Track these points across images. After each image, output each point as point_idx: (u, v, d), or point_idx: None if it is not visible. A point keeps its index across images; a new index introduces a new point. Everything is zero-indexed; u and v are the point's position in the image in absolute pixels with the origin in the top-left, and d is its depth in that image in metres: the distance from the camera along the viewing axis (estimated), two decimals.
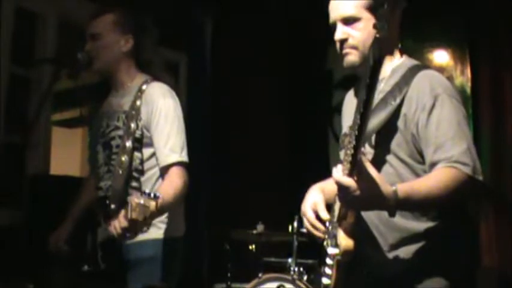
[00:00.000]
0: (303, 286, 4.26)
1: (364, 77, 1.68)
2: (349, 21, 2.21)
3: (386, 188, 1.85)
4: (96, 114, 3.21)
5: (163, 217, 2.91)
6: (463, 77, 5.36)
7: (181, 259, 3.03)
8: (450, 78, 5.28)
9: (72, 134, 8.24)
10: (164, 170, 2.89)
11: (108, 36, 3.02)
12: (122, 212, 2.52)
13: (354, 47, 2.20)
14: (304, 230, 4.33)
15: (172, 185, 2.81)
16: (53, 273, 3.17)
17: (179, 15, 5.45)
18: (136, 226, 2.50)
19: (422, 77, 2.14)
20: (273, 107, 6.03)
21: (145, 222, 2.49)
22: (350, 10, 2.20)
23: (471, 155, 2.00)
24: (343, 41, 2.22)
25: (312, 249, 4.47)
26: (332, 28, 2.28)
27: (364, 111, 1.71)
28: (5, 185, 3.91)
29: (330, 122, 6.17)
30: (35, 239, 3.52)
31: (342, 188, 1.83)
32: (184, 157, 2.91)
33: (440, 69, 5.32)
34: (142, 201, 2.44)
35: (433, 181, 1.96)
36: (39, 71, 4.29)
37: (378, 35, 1.61)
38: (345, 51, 2.23)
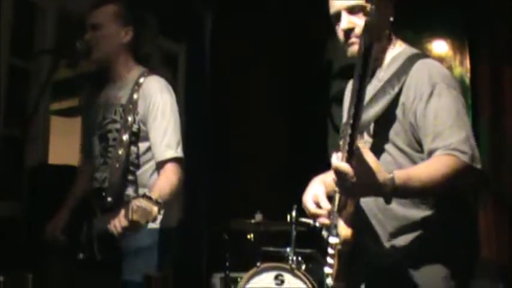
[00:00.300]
0: (301, 275, 4.28)
1: (356, 67, 1.66)
2: (354, 10, 2.19)
3: (383, 174, 1.83)
4: (92, 104, 3.21)
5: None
6: (462, 68, 5.36)
7: (176, 248, 3.07)
8: (449, 69, 5.27)
9: (71, 123, 8.22)
10: (160, 165, 2.92)
11: (109, 27, 3.02)
12: (123, 212, 2.55)
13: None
14: (303, 220, 4.39)
15: (168, 181, 2.85)
16: (52, 263, 3.18)
17: (180, 7, 5.44)
18: (136, 227, 2.54)
19: (421, 66, 2.13)
20: (272, 101, 6.05)
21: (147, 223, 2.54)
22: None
23: (470, 143, 1.98)
24: (349, 31, 2.20)
25: (310, 238, 4.52)
26: (333, 18, 2.26)
27: (358, 99, 1.68)
28: (4, 176, 3.92)
29: (329, 113, 6.17)
30: (34, 230, 3.53)
31: (339, 174, 1.80)
32: (179, 153, 2.93)
33: (440, 60, 5.22)
34: (143, 205, 2.48)
35: (431, 168, 1.94)
36: (39, 63, 4.29)
37: (366, 21, 1.60)
38: (351, 40, 2.20)
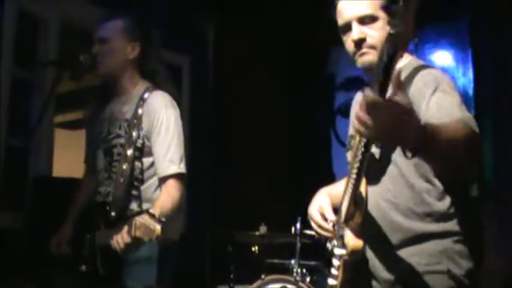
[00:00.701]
0: None
1: (377, 75, 1.61)
2: (365, 20, 2.18)
3: (416, 116, 1.67)
4: (96, 118, 3.21)
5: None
6: (466, 79, 5.36)
7: (178, 260, 3.09)
8: (452, 80, 5.28)
9: (75, 135, 8.24)
10: (162, 181, 2.94)
11: (116, 42, 3.03)
12: (126, 228, 2.58)
13: (373, 47, 2.17)
14: (308, 232, 4.37)
15: (170, 197, 2.88)
16: (54, 274, 3.18)
17: (182, 20, 5.47)
18: (138, 243, 2.58)
19: (425, 75, 2.13)
20: (274, 110, 6.04)
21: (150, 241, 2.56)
22: (367, 9, 2.17)
23: (474, 121, 1.97)
24: (361, 41, 2.19)
25: (314, 250, 4.50)
26: (343, 29, 2.25)
27: (383, 84, 1.61)
28: (8, 188, 3.92)
29: (333, 125, 6.17)
30: (37, 241, 3.53)
31: (372, 108, 1.59)
32: (182, 169, 2.95)
33: (443, 71, 5.31)
34: (147, 223, 2.52)
35: (452, 128, 1.85)
36: (42, 74, 4.30)
37: (391, 32, 1.56)
38: (362, 51, 2.19)
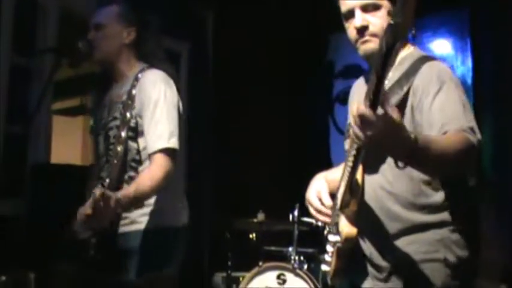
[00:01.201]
0: (303, 275, 4.28)
1: (376, 63, 1.62)
2: (368, 8, 2.18)
3: (408, 131, 1.75)
4: (98, 106, 3.20)
5: (162, 206, 2.91)
6: (464, 67, 5.36)
7: (183, 249, 3.01)
8: (451, 69, 5.28)
9: (73, 122, 8.24)
10: (151, 157, 2.84)
11: (111, 27, 3.01)
12: (88, 201, 2.54)
13: (375, 35, 2.16)
14: (306, 219, 4.39)
15: (150, 175, 2.77)
16: (55, 263, 3.18)
17: (181, 7, 5.45)
18: (102, 214, 2.50)
19: (429, 67, 2.13)
20: (273, 98, 6.04)
21: (113, 211, 2.52)
22: None
23: (477, 131, 1.98)
24: (363, 28, 2.19)
25: (312, 238, 4.51)
26: (345, 16, 2.25)
27: (374, 98, 1.65)
28: (7, 175, 3.92)
29: (331, 112, 6.17)
30: (36, 229, 3.53)
31: (364, 120, 1.66)
32: (171, 143, 2.83)
33: (442, 59, 5.30)
34: (103, 191, 2.47)
35: (446, 141, 1.90)
36: (41, 61, 4.30)
37: (391, 21, 1.57)
38: (364, 38, 2.19)
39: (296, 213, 4.43)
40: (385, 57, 1.59)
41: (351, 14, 2.22)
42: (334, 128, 6.13)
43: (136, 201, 2.76)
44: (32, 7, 4.37)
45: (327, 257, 2.24)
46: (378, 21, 2.17)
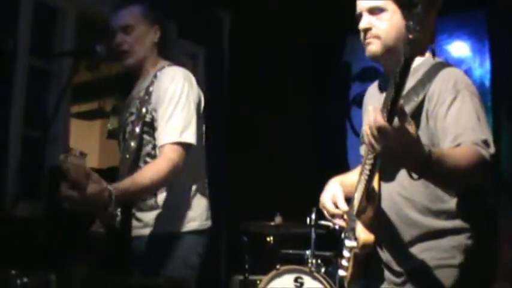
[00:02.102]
0: (321, 278, 4.27)
1: (393, 75, 1.64)
2: (374, 11, 2.22)
3: (423, 144, 1.78)
4: (122, 106, 3.18)
5: (181, 210, 2.88)
6: (482, 69, 5.33)
7: (203, 252, 2.96)
8: (469, 70, 5.26)
9: (91, 126, 8.29)
10: (160, 150, 2.77)
11: (140, 28, 2.96)
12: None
13: (377, 37, 2.20)
14: (323, 222, 4.38)
15: (152, 168, 2.69)
16: (75, 264, 3.19)
17: (198, 9, 5.47)
18: (78, 187, 2.41)
19: (446, 74, 2.12)
20: (290, 100, 6.03)
21: (83, 179, 2.41)
22: (377, 1, 2.22)
23: (491, 144, 1.96)
24: (366, 30, 2.23)
25: (329, 241, 4.50)
26: (357, 18, 2.29)
27: (392, 109, 1.66)
28: (25, 178, 3.95)
29: (348, 115, 6.16)
30: (55, 230, 3.55)
31: (380, 131, 1.69)
32: (184, 138, 2.76)
33: (459, 61, 5.29)
34: (72, 160, 2.45)
35: (459, 155, 1.90)
36: (58, 64, 4.32)
37: (410, 36, 1.57)
38: (367, 40, 2.23)
39: (313, 216, 4.42)
40: (403, 71, 1.61)
41: (360, 16, 2.27)
42: (351, 130, 6.11)
43: (134, 194, 2.64)
44: (50, 10, 4.40)
45: (344, 262, 2.24)
46: (381, 24, 2.20)
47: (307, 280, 4.31)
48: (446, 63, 2.22)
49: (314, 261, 4.39)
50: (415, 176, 1.85)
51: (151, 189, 2.74)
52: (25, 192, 3.93)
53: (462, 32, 5.49)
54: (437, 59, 2.26)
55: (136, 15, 2.97)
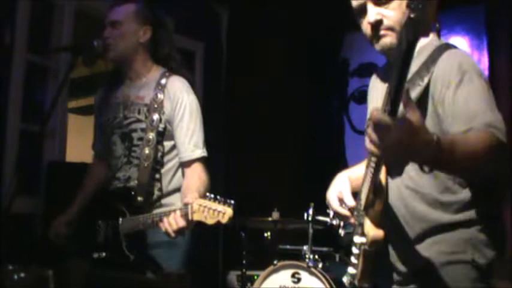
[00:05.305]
0: (318, 274, 4.27)
1: (396, 60, 1.53)
2: (381, 1, 2.07)
3: (429, 134, 1.60)
4: (106, 102, 3.19)
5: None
6: (480, 65, 5.33)
7: (199, 247, 3.06)
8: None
9: (88, 121, 8.26)
10: (187, 165, 2.98)
11: (128, 25, 3.04)
12: (178, 213, 2.63)
13: (391, 28, 2.07)
14: (320, 218, 4.37)
15: (201, 181, 2.92)
16: (72, 260, 3.19)
17: (196, 6, 5.46)
18: (191, 227, 2.67)
19: (450, 56, 2.02)
20: (289, 96, 6.02)
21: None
22: None
23: (503, 123, 1.85)
24: (378, 23, 2.08)
25: (327, 237, 4.50)
26: (358, 12, 2.15)
27: (395, 98, 1.53)
28: (23, 173, 3.94)
29: (346, 111, 6.15)
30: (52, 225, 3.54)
31: (381, 128, 1.53)
32: (205, 153, 3.01)
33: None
34: (209, 205, 2.60)
35: (473, 140, 1.77)
36: (56, 60, 4.32)
37: (412, 15, 1.47)
38: (380, 33, 2.08)
39: (311, 211, 4.42)
40: (406, 54, 1.49)
41: (363, 9, 2.12)
42: (349, 126, 6.10)
43: None
44: (48, 6, 4.39)
45: (353, 259, 2.15)
46: (392, 14, 2.07)
47: (304, 276, 4.31)
48: (450, 45, 2.12)
49: (311, 256, 4.38)
50: (426, 168, 1.71)
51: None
52: (22, 187, 3.92)
53: (460, 28, 5.47)
54: (442, 41, 2.17)
55: (127, 12, 3.05)
